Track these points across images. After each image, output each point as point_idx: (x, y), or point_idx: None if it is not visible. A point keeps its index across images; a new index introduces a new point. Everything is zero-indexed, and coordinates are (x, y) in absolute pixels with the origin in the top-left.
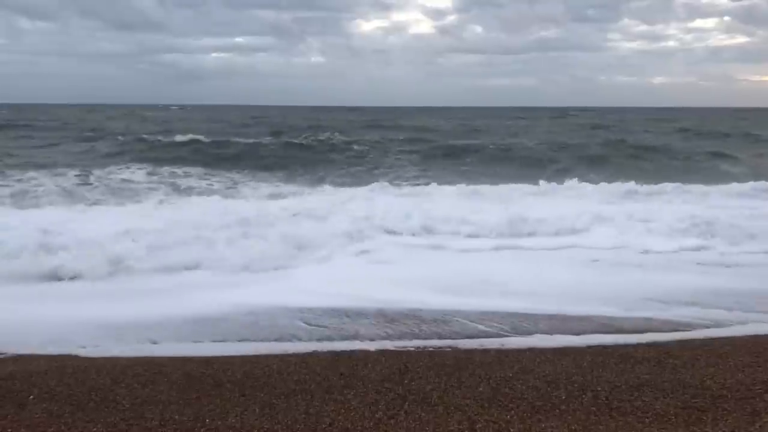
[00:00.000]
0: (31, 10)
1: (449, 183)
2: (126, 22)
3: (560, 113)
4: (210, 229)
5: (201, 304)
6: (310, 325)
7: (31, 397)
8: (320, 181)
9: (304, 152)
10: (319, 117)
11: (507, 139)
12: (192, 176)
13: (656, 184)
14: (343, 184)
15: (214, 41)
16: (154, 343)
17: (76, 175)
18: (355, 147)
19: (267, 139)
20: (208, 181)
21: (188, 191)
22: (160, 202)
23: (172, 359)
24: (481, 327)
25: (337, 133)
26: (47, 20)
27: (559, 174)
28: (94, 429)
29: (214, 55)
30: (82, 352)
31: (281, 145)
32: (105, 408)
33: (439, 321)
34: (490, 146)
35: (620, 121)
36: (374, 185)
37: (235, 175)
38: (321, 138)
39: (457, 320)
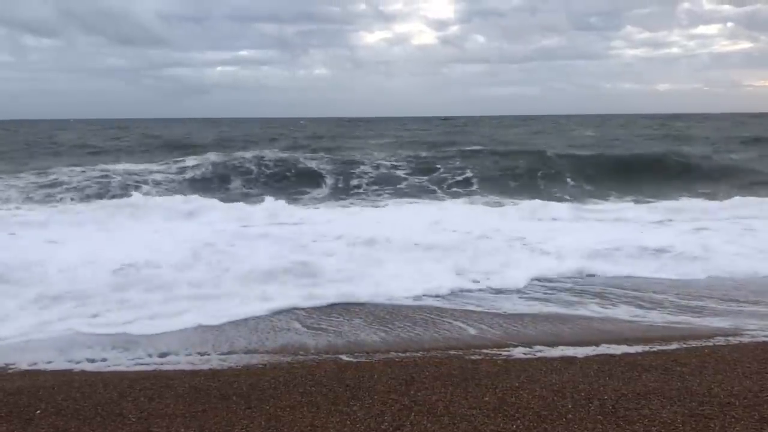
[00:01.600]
0: (36, 27)
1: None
2: (129, 38)
3: (560, 121)
4: None
5: None
6: None
7: (38, 411)
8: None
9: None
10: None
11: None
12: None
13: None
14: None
15: (218, 55)
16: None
17: None
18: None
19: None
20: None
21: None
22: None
23: (179, 372)
24: None
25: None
26: (51, 37)
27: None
28: None
29: (219, 68)
30: (89, 367)
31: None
32: (112, 422)
33: None
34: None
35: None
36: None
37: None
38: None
39: None
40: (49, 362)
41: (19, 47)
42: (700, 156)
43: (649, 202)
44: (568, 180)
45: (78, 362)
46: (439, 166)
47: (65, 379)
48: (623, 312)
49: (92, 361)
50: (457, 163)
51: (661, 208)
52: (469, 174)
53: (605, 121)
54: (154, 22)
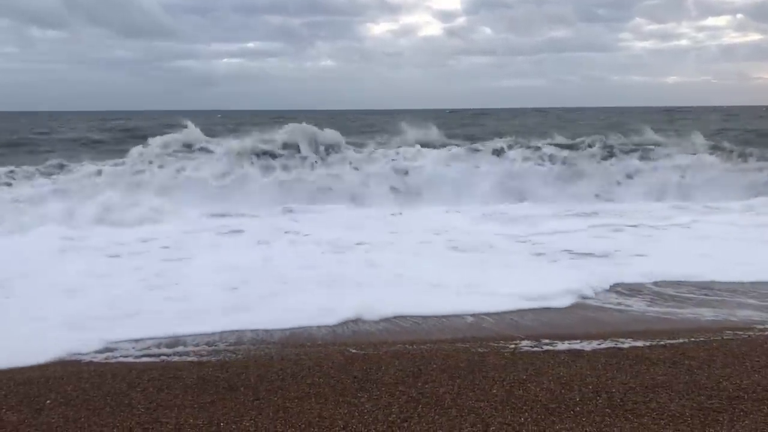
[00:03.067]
0: (41, 18)
1: None
2: (135, 30)
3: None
4: None
5: None
6: None
7: (48, 401)
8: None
9: None
10: None
11: None
12: None
13: None
14: None
15: (224, 47)
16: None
17: None
18: None
19: None
20: None
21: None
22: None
23: (188, 363)
24: None
25: None
26: (57, 29)
27: None
28: None
29: (225, 60)
30: (98, 357)
31: None
32: (121, 412)
33: None
34: None
35: None
36: None
37: None
38: None
39: None
40: None
41: (25, 38)
42: None
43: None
44: None
45: (86, 352)
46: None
47: (74, 370)
48: None
49: (101, 351)
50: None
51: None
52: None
53: (610, 114)
54: (159, 13)
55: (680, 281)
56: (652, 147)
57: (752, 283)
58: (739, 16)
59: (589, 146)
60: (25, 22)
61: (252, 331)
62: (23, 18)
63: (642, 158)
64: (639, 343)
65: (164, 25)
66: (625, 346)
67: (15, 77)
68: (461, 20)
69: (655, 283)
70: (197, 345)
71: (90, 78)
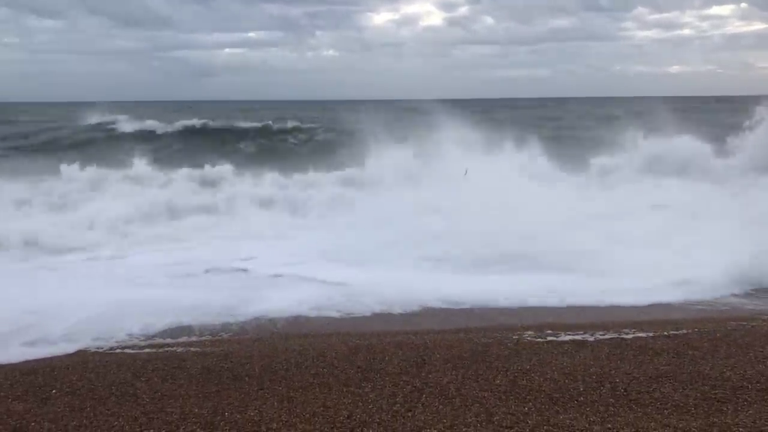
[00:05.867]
0: (39, 8)
1: None
2: (134, 19)
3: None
4: None
5: None
6: None
7: (54, 391)
8: None
9: None
10: None
11: None
12: None
13: None
14: None
15: (225, 37)
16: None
17: None
18: None
19: None
20: None
21: None
22: None
23: (192, 353)
24: None
25: None
26: (55, 18)
27: None
28: (116, 423)
29: (227, 50)
30: (103, 347)
31: None
32: (126, 402)
33: None
34: None
35: None
36: None
37: None
38: None
39: None
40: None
41: (23, 28)
42: None
43: None
44: None
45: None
46: None
47: (79, 359)
48: None
49: (106, 340)
50: None
51: None
52: None
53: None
54: (158, 2)
55: None
56: None
57: None
58: (744, 5)
59: None
60: (23, 11)
61: (255, 319)
62: (20, 8)
63: None
64: (642, 334)
65: (164, 15)
66: (629, 336)
67: (14, 67)
68: (463, 10)
69: None
70: (201, 335)
71: (89, 68)
